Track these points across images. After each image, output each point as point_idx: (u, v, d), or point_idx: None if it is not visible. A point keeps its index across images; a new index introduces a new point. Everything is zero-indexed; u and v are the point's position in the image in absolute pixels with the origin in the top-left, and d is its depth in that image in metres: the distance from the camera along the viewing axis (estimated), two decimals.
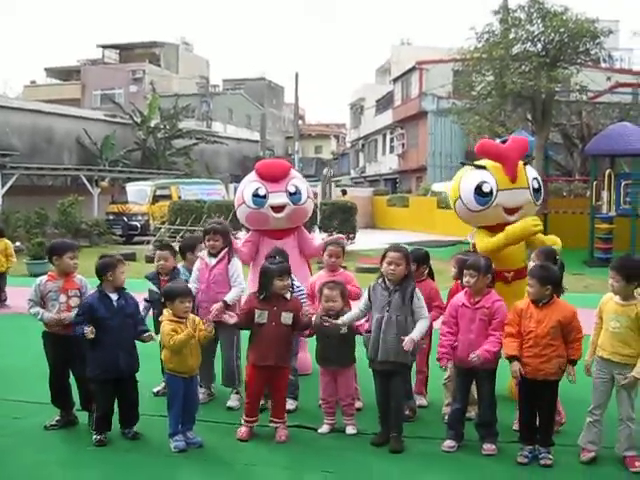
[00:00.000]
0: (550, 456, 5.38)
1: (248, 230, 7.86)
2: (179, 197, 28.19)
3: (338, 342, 5.93)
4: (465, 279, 5.62)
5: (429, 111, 42.34)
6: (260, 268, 6.07)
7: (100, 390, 5.76)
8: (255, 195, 7.39)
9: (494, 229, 6.68)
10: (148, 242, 22.90)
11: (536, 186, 6.77)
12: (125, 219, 27.91)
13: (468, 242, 25.86)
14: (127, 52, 61.44)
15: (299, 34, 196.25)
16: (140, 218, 27.87)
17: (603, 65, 24.48)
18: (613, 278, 5.25)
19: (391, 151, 50.83)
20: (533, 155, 21.27)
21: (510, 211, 6.68)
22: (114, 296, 5.78)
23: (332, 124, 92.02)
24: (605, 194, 20.10)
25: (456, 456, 5.58)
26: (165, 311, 5.76)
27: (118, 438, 5.84)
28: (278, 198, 7.38)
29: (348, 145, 73.31)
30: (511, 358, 5.37)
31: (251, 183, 7.54)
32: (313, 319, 6.00)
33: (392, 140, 50.79)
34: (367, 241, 23.47)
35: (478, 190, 6.69)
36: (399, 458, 5.53)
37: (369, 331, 5.75)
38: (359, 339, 6.05)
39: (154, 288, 6.92)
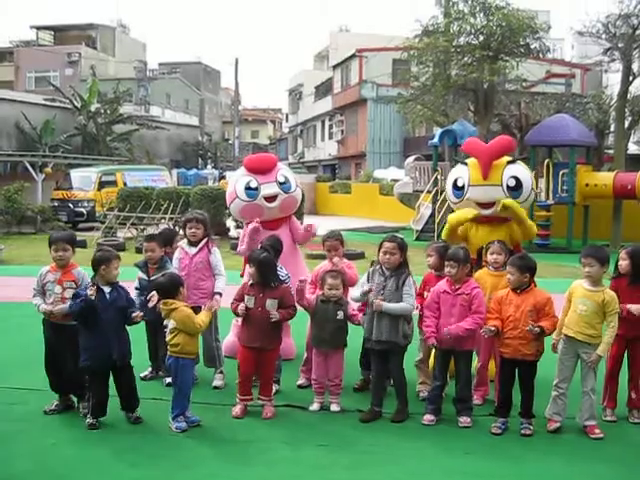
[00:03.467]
0: (531, 427, 5.98)
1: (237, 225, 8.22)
2: (124, 183, 28.11)
3: (333, 326, 6.40)
4: (446, 269, 6.17)
5: (369, 98, 43.05)
6: None
7: (93, 380, 6.00)
8: (247, 188, 7.76)
9: (488, 220, 7.28)
10: (98, 229, 22.86)
11: (512, 184, 7.16)
12: (71, 205, 27.60)
13: (411, 228, 26.50)
14: (62, 34, 60.18)
15: (235, 17, 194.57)
16: (86, 204, 27.61)
17: (541, 56, 25.33)
18: (589, 264, 5.87)
19: (330, 137, 51.36)
20: None
21: (483, 205, 7.21)
22: (107, 289, 5.96)
23: (269, 109, 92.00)
24: (543, 182, 20.98)
25: (436, 428, 6.13)
26: (169, 301, 5.93)
27: (118, 421, 6.11)
28: (270, 188, 7.75)
29: (285, 130, 73.48)
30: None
31: (242, 177, 7.92)
32: (312, 301, 6.47)
33: (331, 126, 51.33)
34: None
35: (455, 184, 7.42)
36: (384, 431, 6.03)
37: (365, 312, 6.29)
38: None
39: (143, 276, 7.25)
